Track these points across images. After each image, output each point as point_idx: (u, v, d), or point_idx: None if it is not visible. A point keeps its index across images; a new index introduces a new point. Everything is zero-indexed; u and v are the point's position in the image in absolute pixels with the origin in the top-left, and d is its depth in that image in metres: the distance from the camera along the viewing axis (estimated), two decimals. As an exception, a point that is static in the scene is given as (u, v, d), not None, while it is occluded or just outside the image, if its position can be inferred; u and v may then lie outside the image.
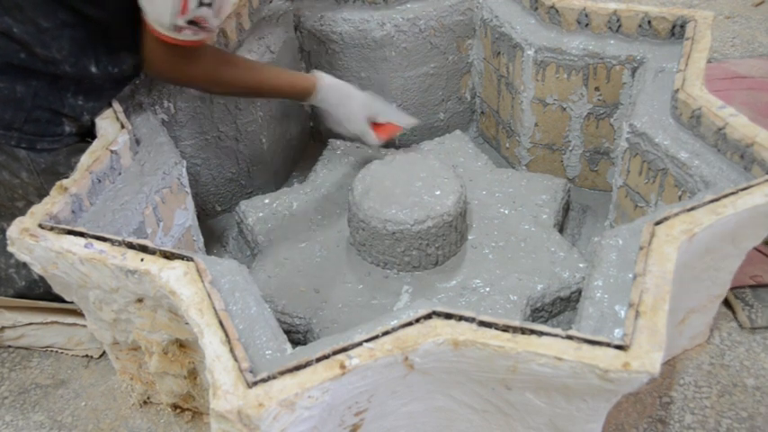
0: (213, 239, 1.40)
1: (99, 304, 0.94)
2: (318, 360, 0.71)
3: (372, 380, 0.73)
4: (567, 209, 1.38)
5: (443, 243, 1.19)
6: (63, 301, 1.00)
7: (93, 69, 1.04)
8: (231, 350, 0.73)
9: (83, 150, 1.01)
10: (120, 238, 0.86)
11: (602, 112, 1.37)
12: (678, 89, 1.08)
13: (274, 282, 1.19)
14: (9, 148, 1.03)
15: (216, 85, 1.15)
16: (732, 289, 1.20)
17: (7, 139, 1.02)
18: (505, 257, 1.21)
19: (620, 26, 1.29)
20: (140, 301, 0.90)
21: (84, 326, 1.12)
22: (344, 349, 0.71)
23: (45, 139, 1.04)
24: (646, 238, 0.83)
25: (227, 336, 0.74)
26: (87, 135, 1.08)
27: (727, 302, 1.22)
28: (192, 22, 0.98)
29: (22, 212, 0.91)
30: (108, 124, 1.06)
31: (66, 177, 0.96)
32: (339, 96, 1.28)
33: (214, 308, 0.77)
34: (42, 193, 0.97)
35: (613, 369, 0.68)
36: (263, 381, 0.69)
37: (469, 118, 1.65)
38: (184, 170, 1.10)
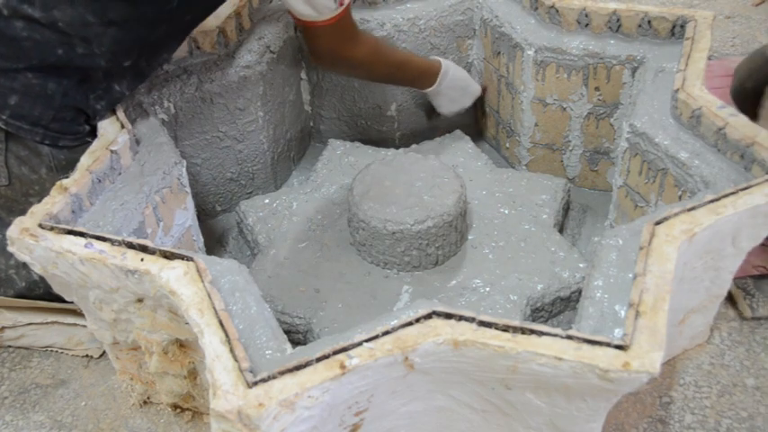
0: (213, 239, 1.40)
1: (99, 304, 0.94)
2: (318, 360, 0.71)
3: (372, 380, 0.73)
4: (567, 209, 1.38)
5: (443, 243, 1.19)
6: (63, 301, 1.00)
7: (127, 64, 1.05)
8: (231, 350, 0.73)
9: None
10: (120, 238, 0.86)
11: (602, 111, 1.36)
12: (678, 89, 1.08)
13: (274, 282, 1.19)
14: (33, 143, 1.04)
15: (374, 60, 1.31)
16: (734, 279, 1.20)
17: (33, 134, 1.02)
18: (505, 257, 1.21)
19: (620, 26, 1.29)
20: (140, 301, 0.90)
21: (84, 326, 1.12)
22: (344, 349, 0.71)
23: (67, 136, 1.05)
24: (646, 237, 0.83)
25: (227, 336, 0.74)
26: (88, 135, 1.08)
27: (728, 293, 1.22)
28: None
29: None
30: (108, 124, 1.06)
31: None
32: (460, 86, 1.47)
33: (214, 308, 0.77)
34: None
35: (613, 369, 0.68)
36: (263, 381, 0.69)
37: (470, 118, 1.65)
38: (184, 170, 1.10)
